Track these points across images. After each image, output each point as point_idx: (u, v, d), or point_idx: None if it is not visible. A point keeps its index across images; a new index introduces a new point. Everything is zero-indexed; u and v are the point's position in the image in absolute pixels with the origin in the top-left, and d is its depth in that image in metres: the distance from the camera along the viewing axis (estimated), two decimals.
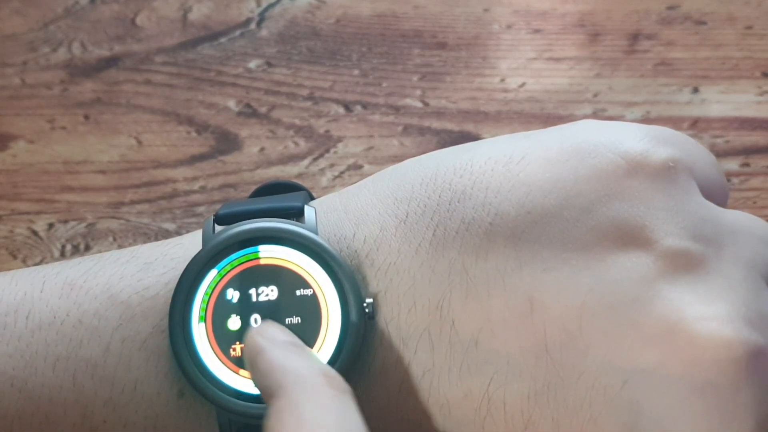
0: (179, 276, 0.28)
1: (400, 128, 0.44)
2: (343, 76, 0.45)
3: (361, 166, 0.43)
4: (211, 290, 0.28)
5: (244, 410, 0.27)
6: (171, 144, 0.44)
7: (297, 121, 0.44)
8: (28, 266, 0.33)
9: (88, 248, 0.42)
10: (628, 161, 0.27)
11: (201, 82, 0.45)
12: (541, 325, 0.26)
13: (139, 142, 0.44)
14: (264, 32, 0.46)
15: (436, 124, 0.44)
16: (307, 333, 0.27)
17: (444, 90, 0.45)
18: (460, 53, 0.46)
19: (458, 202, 0.28)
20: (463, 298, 0.27)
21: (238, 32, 0.46)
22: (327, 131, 0.44)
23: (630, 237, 0.26)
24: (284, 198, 0.30)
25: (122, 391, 0.28)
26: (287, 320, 0.27)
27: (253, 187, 0.39)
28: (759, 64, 0.45)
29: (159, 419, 0.28)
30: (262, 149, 0.44)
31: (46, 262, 0.42)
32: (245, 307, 0.27)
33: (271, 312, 0.27)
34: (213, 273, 0.28)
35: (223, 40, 0.46)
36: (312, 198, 0.31)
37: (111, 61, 0.46)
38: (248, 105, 0.45)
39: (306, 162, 0.43)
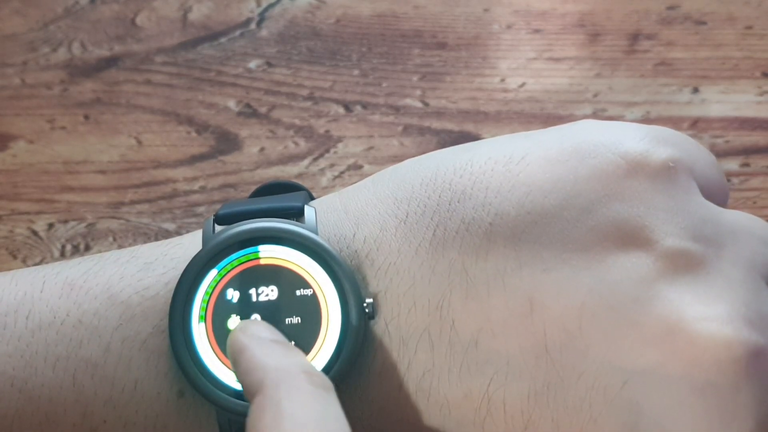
0: (179, 276, 0.28)
1: (400, 128, 0.44)
2: (343, 76, 0.45)
3: (361, 166, 0.43)
4: (211, 290, 0.28)
5: (244, 410, 0.27)
6: (171, 144, 0.44)
7: (297, 121, 0.44)
8: (28, 266, 0.33)
9: (88, 248, 0.42)
10: (628, 161, 0.27)
11: (201, 82, 0.45)
12: (541, 325, 0.26)
13: (139, 142, 0.44)
14: (264, 32, 0.46)
15: (436, 124, 0.44)
16: (307, 333, 0.27)
17: (444, 90, 0.45)
18: (460, 53, 0.46)
19: (458, 202, 0.28)
20: (463, 298, 0.27)
21: (238, 32, 0.46)
22: (327, 131, 0.44)
23: (630, 237, 0.26)
24: (284, 198, 0.30)
25: (122, 391, 0.28)
26: (287, 320, 0.27)
27: (253, 187, 0.39)
28: (759, 64, 0.45)
29: (159, 419, 0.28)
30: (262, 149, 0.44)
31: (46, 262, 0.42)
32: (245, 307, 0.27)
33: (271, 312, 0.27)
34: (213, 273, 0.28)
35: (223, 40, 0.46)
36: (312, 198, 0.31)
37: (111, 61, 0.46)
38: (248, 105, 0.45)
39: (306, 162, 0.43)
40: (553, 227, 0.27)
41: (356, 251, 0.28)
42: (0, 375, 0.27)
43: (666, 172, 0.27)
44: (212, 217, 0.29)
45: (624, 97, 0.44)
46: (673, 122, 0.44)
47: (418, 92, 0.45)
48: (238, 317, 0.27)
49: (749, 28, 0.46)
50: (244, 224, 0.28)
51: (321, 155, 0.44)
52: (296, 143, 0.44)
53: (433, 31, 0.46)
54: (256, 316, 0.27)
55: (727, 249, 0.27)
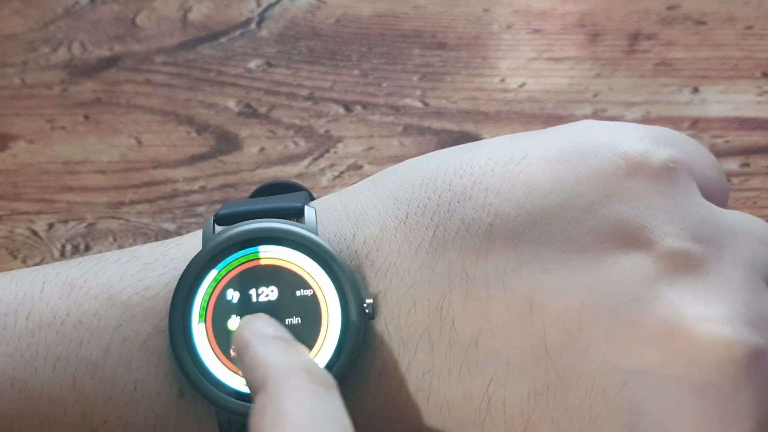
0: (179, 276, 0.28)
1: (400, 128, 0.44)
2: (343, 76, 0.45)
3: (361, 166, 0.43)
4: (211, 290, 0.28)
5: (244, 410, 0.27)
6: (171, 144, 0.44)
7: (297, 121, 0.44)
8: (28, 266, 0.33)
9: (88, 248, 0.42)
10: (628, 162, 0.27)
11: (201, 82, 0.45)
12: (541, 325, 0.26)
13: (139, 142, 0.44)
14: (264, 32, 0.46)
15: (436, 124, 0.44)
16: (307, 333, 0.27)
17: (444, 90, 0.45)
18: (460, 53, 0.46)
19: (458, 202, 0.28)
20: (463, 298, 0.27)
21: (238, 32, 0.46)
22: (327, 131, 0.44)
23: (630, 238, 0.26)
24: (284, 198, 0.30)
25: (122, 391, 0.28)
26: (287, 321, 0.27)
27: (253, 187, 0.39)
28: (759, 64, 0.45)
29: (159, 419, 0.28)
30: (262, 149, 0.44)
31: (46, 262, 0.42)
32: (245, 308, 0.27)
33: (271, 312, 0.27)
34: (213, 273, 0.28)
35: (223, 40, 0.46)
36: (312, 198, 0.31)
37: (111, 61, 0.46)
38: (248, 105, 0.45)
39: (306, 162, 0.43)
40: (553, 227, 0.27)
41: (356, 251, 0.28)
42: (0, 375, 0.27)
43: (666, 173, 0.27)
44: (212, 218, 0.29)
45: (624, 97, 0.44)
46: (673, 122, 0.44)
47: (418, 92, 0.45)
48: (238, 318, 0.27)
49: (749, 28, 0.46)
50: (244, 224, 0.28)
51: (321, 155, 0.44)
52: (296, 143, 0.44)
53: (433, 31, 0.46)
54: None
55: (727, 249, 0.27)
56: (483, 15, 0.47)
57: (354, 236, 0.28)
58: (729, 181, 0.42)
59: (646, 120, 0.44)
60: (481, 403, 0.26)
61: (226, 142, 0.44)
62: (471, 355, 0.26)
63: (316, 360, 0.27)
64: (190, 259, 0.28)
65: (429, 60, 0.46)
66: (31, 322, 0.28)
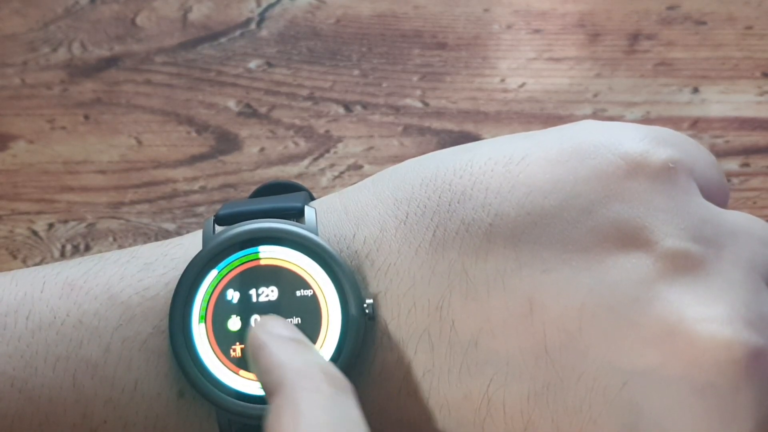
0: (179, 276, 0.28)
1: (400, 128, 0.44)
2: (343, 76, 0.45)
3: (361, 167, 0.43)
4: (211, 291, 0.28)
5: (244, 411, 0.27)
6: (171, 144, 0.44)
7: (297, 121, 0.44)
8: (28, 266, 0.33)
9: (88, 248, 0.42)
10: (628, 162, 0.27)
11: (201, 82, 0.45)
12: (541, 326, 0.26)
13: (139, 142, 0.44)
14: (264, 32, 0.46)
15: (436, 124, 0.44)
16: (307, 334, 0.27)
17: (444, 90, 0.45)
18: (460, 53, 0.46)
19: (458, 202, 0.28)
20: (463, 298, 0.27)
21: (238, 32, 0.46)
22: (327, 131, 0.44)
23: (630, 238, 0.26)
24: (284, 198, 0.30)
25: (122, 391, 0.28)
26: (270, 315, 0.27)
27: (253, 187, 0.39)
28: (759, 64, 0.45)
29: (159, 419, 0.28)
30: (262, 149, 0.44)
31: (46, 262, 0.42)
32: (245, 308, 0.27)
33: (271, 312, 0.27)
34: (213, 273, 0.28)
35: (223, 40, 0.46)
36: (312, 198, 0.31)
37: (111, 61, 0.46)
38: (248, 105, 0.45)
39: (306, 162, 0.43)
40: (553, 228, 0.27)
41: (356, 252, 0.28)
42: (0, 375, 0.27)
43: (666, 173, 0.27)
44: (212, 218, 0.29)
45: (624, 97, 0.44)
46: (673, 122, 0.44)
47: (418, 92, 0.45)
48: (239, 318, 0.27)
49: (749, 28, 0.46)
50: (245, 225, 0.28)
51: (321, 155, 0.44)
52: (296, 143, 0.44)
53: (433, 31, 0.46)
54: (256, 317, 0.27)
55: (727, 250, 0.27)
56: (483, 15, 0.47)
57: (354, 236, 0.28)
58: (729, 181, 0.42)
59: (646, 120, 0.44)
60: (481, 404, 0.26)
61: (226, 142, 0.44)
62: (471, 355, 0.26)
63: None
64: (190, 260, 0.28)
65: (429, 60, 0.46)
66: (31, 323, 0.28)
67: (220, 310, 0.27)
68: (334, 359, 0.27)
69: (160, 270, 0.29)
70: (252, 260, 0.28)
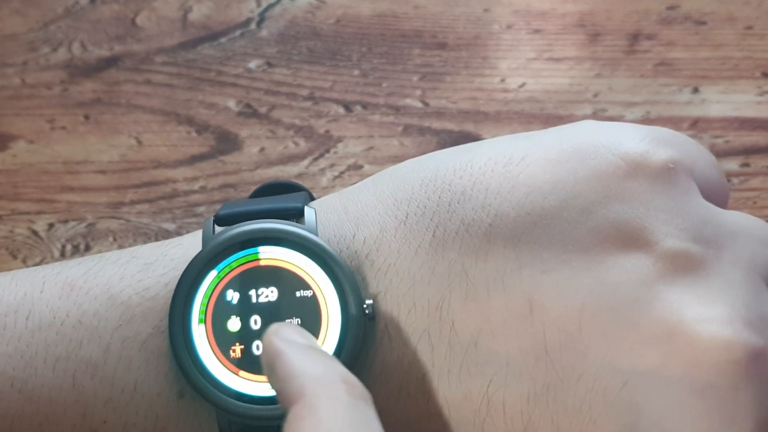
0: (179, 277, 0.28)
1: (400, 128, 0.44)
2: (343, 76, 0.45)
3: (361, 167, 0.43)
4: (211, 291, 0.28)
5: (244, 411, 0.27)
6: (171, 144, 0.44)
7: (297, 121, 0.44)
8: (28, 266, 0.33)
9: (88, 248, 0.42)
10: (628, 162, 0.27)
11: (201, 82, 0.45)
12: (541, 326, 0.26)
13: (139, 142, 0.44)
14: (264, 32, 0.46)
15: (436, 124, 0.44)
16: None
17: (444, 90, 0.45)
18: (460, 53, 0.46)
19: (458, 203, 0.28)
20: (463, 299, 0.27)
21: (238, 32, 0.46)
22: (327, 131, 0.44)
23: (630, 238, 0.26)
24: (284, 199, 0.30)
25: (122, 391, 0.28)
26: (287, 321, 0.27)
27: (253, 187, 0.39)
28: (759, 64, 0.45)
29: (159, 420, 0.28)
30: (262, 149, 0.44)
31: (46, 262, 0.42)
32: (245, 308, 0.27)
33: (271, 313, 0.27)
34: (213, 274, 0.28)
35: (223, 40, 0.46)
36: (312, 198, 0.31)
37: (111, 61, 0.46)
38: (248, 105, 0.45)
39: (306, 162, 0.43)
40: (552, 228, 0.27)
41: (356, 252, 0.28)
42: (0, 375, 0.27)
43: (666, 173, 0.27)
44: (212, 218, 0.29)
45: (624, 97, 0.44)
46: (673, 122, 0.44)
47: (418, 92, 0.45)
48: (238, 318, 0.27)
49: (749, 28, 0.46)
50: (244, 225, 0.28)
51: (321, 155, 0.44)
52: (296, 143, 0.44)
53: (433, 31, 0.46)
54: (255, 318, 0.27)
55: (727, 250, 0.27)
56: (483, 15, 0.47)
57: (354, 237, 0.28)
58: (729, 181, 0.42)
59: (646, 120, 0.44)
60: (481, 404, 0.26)
61: (226, 142, 0.44)
62: (471, 355, 0.26)
63: None
64: (190, 260, 0.28)
65: (429, 60, 0.46)
66: (31, 323, 0.28)
67: (219, 311, 0.27)
68: None
69: (159, 270, 0.29)
70: (252, 261, 0.28)
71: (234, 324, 0.27)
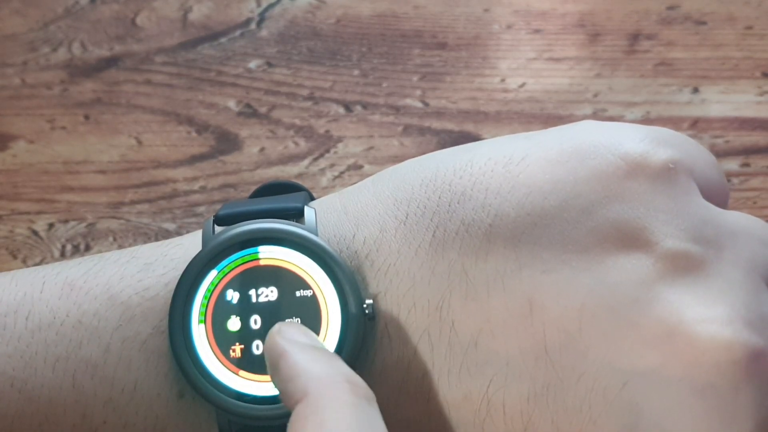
0: (179, 277, 0.28)
1: (400, 128, 0.44)
2: (343, 76, 0.45)
3: (361, 167, 0.43)
4: (210, 291, 0.28)
5: (244, 411, 0.27)
6: (171, 144, 0.44)
7: (297, 121, 0.44)
8: (28, 266, 0.33)
9: (88, 248, 0.42)
10: (628, 162, 0.27)
11: (201, 82, 0.45)
12: (541, 326, 0.26)
13: (139, 142, 0.44)
14: (264, 32, 0.46)
15: (436, 124, 0.44)
16: None
17: (444, 90, 0.45)
18: (460, 53, 0.46)
19: (458, 203, 0.28)
20: (463, 299, 0.27)
21: (238, 32, 0.46)
22: (327, 131, 0.44)
23: (630, 239, 0.26)
24: (284, 198, 0.30)
25: (122, 391, 0.28)
26: (287, 321, 0.27)
27: (253, 187, 0.39)
28: (759, 64, 0.45)
29: (159, 420, 0.28)
30: (262, 149, 0.44)
31: (46, 262, 0.42)
32: (245, 308, 0.27)
33: (271, 313, 0.27)
34: (213, 274, 0.28)
35: (223, 40, 0.46)
36: (312, 198, 0.31)
37: (111, 61, 0.46)
38: (248, 105, 0.45)
39: (306, 162, 0.43)
40: (552, 228, 0.27)
41: (356, 252, 0.28)
42: (0, 375, 0.27)
43: (666, 174, 0.27)
44: (212, 218, 0.29)
45: (624, 97, 0.44)
46: (673, 122, 0.44)
47: (418, 92, 0.45)
48: (238, 318, 0.27)
49: (749, 28, 0.46)
50: (244, 225, 0.28)
51: (321, 155, 0.44)
52: (296, 143, 0.44)
53: (433, 31, 0.46)
54: (255, 317, 0.27)
55: (727, 250, 0.27)
56: (483, 15, 0.47)
57: (354, 237, 0.28)
58: (729, 181, 0.42)
59: (646, 120, 0.44)
60: (481, 404, 0.26)
61: (226, 142, 0.44)
62: (471, 355, 0.26)
63: None
64: (190, 260, 0.28)
65: (429, 60, 0.46)
66: (31, 323, 0.28)
67: (219, 311, 0.27)
68: None
69: (159, 270, 0.29)
70: (252, 260, 0.28)
71: (234, 324, 0.27)
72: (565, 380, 0.26)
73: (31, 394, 0.27)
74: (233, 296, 0.28)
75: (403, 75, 0.45)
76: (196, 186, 0.43)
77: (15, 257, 0.42)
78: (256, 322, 0.27)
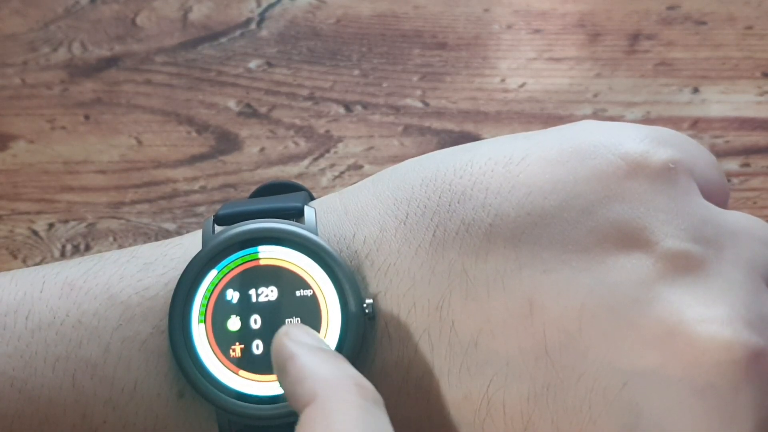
0: (179, 276, 0.28)
1: (400, 128, 0.44)
2: (343, 76, 0.45)
3: (361, 166, 0.43)
4: (210, 291, 0.28)
5: (244, 411, 0.27)
6: (171, 144, 0.44)
7: (297, 121, 0.44)
8: (28, 266, 0.33)
9: (88, 248, 0.42)
10: (628, 162, 0.27)
11: (201, 82, 0.45)
12: (541, 326, 0.26)
13: (139, 142, 0.44)
14: (264, 32, 0.46)
15: (436, 124, 0.44)
16: None
17: (444, 90, 0.45)
18: (460, 53, 0.46)
19: (458, 203, 0.28)
20: (463, 299, 0.27)
21: (238, 32, 0.46)
22: (327, 131, 0.44)
23: (630, 238, 0.26)
24: (284, 198, 0.30)
25: (122, 391, 0.28)
26: (287, 321, 0.27)
27: (253, 187, 0.39)
28: (759, 64, 0.45)
29: (159, 420, 0.28)
30: (262, 149, 0.44)
31: (46, 262, 0.42)
32: (245, 308, 0.27)
33: (271, 312, 0.27)
34: (213, 273, 0.28)
35: (223, 40, 0.46)
36: (312, 198, 0.31)
37: (111, 61, 0.46)
38: (248, 105, 0.45)
39: (306, 162, 0.43)
40: (552, 228, 0.27)
41: (356, 252, 0.28)
42: (0, 375, 0.27)
43: (666, 173, 0.27)
44: (212, 218, 0.29)
45: (624, 97, 0.44)
46: (673, 122, 0.44)
47: (419, 92, 0.45)
48: (238, 318, 0.27)
49: (749, 28, 0.46)
50: (244, 225, 0.28)
51: (321, 155, 0.44)
52: (296, 143, 0.44)
53: (433, 31, 0.46)
54: (255, 317, 0.27)
55: (727, 250, 0.27)
56: (483, 15, 0.47)
57: (354, 236, 0.28)
58: (729, 181, 0.42)
59: (646, 120, 0.44)
60: (481, 404, 0.26)
61: (227, 142, 0.44)
62: (471, 355, 0.26)
63: None
64: (190, 260, 0.28)
65: (429, 60, 0.46)
66: (31, 322, 0.28)
67: (219, 310, 0.27)
68: None
69: (159, 270, 0.29)
70: (252, 260, 0.28)
71: (234, 323, 0.27)
72: (565, 380, 0.26)
73: (31, 394, 0.27)
74: (233, 296, 0.28)
75: (403, 75, 0.45)
76: (196, 186, 0.43)
77: (15, 257, 0.42)
78: (256, 321, 0.27)
